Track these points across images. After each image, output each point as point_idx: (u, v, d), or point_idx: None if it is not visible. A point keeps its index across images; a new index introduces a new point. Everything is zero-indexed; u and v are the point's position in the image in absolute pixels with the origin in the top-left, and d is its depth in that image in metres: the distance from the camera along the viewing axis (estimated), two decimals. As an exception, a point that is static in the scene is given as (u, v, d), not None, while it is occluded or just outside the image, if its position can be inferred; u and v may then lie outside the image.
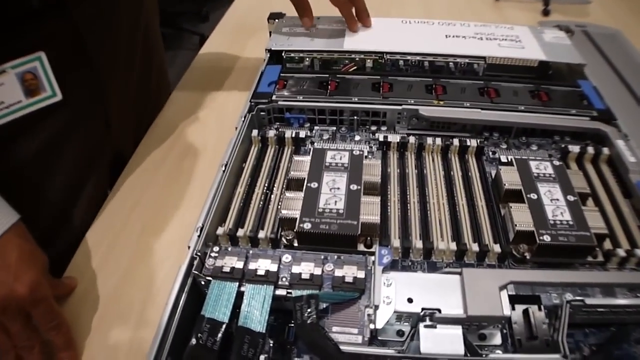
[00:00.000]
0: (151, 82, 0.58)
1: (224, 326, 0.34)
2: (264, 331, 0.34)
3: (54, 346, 0.39)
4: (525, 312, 0.36)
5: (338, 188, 0.40)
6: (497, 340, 0.36)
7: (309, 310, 0.34)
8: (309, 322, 0.33)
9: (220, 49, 0.72)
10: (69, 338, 0.39)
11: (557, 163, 0.43)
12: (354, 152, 0.43)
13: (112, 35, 0.50)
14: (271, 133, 0.47)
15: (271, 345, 0.37)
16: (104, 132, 0.52)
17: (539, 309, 0.36)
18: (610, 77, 0.56)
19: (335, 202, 0.39)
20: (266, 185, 0.44)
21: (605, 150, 0.46)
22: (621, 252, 0.39)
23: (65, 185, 0.49)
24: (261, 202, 0.42)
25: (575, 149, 0.45)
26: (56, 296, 0.40)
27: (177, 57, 0.65)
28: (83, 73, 0.47)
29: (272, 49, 0.54)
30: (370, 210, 0.39)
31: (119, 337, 0.41)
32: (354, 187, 0.40)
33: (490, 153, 0.47)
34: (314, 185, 0.41)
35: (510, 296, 0.36)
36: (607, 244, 0.40)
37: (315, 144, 0.47)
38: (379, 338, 0.36)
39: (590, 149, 0.46)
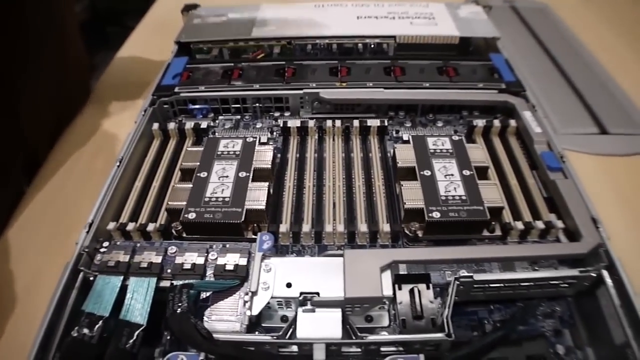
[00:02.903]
0: (68, 85, 0.57)
1: (101, 320, 0.33)
2: (144, 323, 0.33)
3: None
4: (411, 292, 0.35)
5: (227, 176, 0.39)
6: (386, 321, 0.35)
7: (180, 299, 0.33)
8: (178, 311, 0.33)
9: (142, 46, 0.71)
10: None
11: (456, 138, 0.42)
12: (247, 140, 0.42)
13: (18, 43, 0.49)
14: (171, 125, 0.46)
15: (168, 338, 0.36)
16: (15, 139, 0.51)
17: (427, 287, 0.35)
18: (534, 50, 0.55)
19: (222, 190, 0.39)
20: (164, 178, 0.43)
21: (513, 123, 0.45)
22: (519, 225, 0.38)
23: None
24: (158, 195, 0.42)
25: (480, 122, 0.44)
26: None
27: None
28: None
29: (180, 41, 0.53)
30: (256, 197, 0.38)
31: (27, 339, 0.41)
32: (242, 174, 0.39)
33: (394, 132, 0.46)
34: (204, 174, 0.40)
35: (399, 276, 0.35)
36: (509, 218, 0.39)
37: (217, 133, 0.46)
38: (263, 325, 0.35)
39: (497, 122, 0.44)
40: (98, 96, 0.62)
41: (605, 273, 0.35)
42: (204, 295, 0.35)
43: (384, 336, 0.33)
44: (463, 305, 0.37)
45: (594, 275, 0.35)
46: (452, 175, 0.39)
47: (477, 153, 0.41)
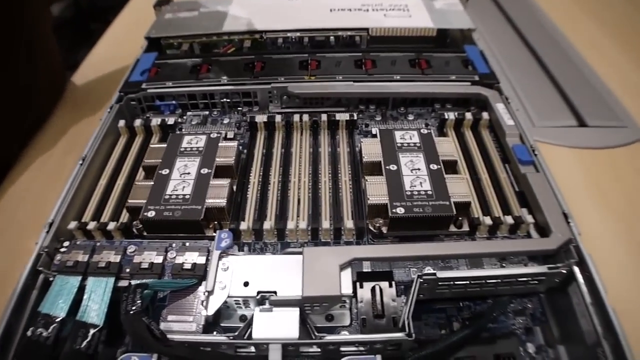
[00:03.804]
0: (40, 85, 0.56)
1: (57, 321, 0.33)
2: (101, 324, 0.32)
3: None
4: (373, 290, 0.34)
5: (188, 173, 0.39)
6: (347, 320, 0.34)
7: (134, 299, 0.32)
8: (131, 312, 0.32)
9: (117, 42, 0.70)
10: None
11: (424, 132, 0.41)
12: (211, 135, 0.41)
13: None
14: (137, 122, 0.45)
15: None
16: None
17: (390, 285, 0.34)
18: (514, 41, 0.53)
19: (183, 187, 0.38)
20: (129, 175, 0.42)
21: (485, 115, 0.44)
22: (488, 220, 0.37)
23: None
24: (121, 193, 0.41)
25: (452, 115, 0.43)
26: None
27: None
28: None
29: (151, 36, 0.52)
30: (217, 194, 0.37)
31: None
32: (204, 171, 0.38)
33: (364, 126, 0.44)
34: (165, 171, 0.39)
35: (361, 273, 0.35)
36: (478, 213, 0.38)
37: (184, 129, 0.45)
38: (222, 325, 0.34)
39: (469, 115, 0.43)
40: (71, 94, 0.61)
41: (576, 269, 0.34)
42: (162, 294, 0.35)
43: (342, 336, 0.32)
44: (431, 302, 0.36)
45: (564, 271, 0.34)
46: (418, 169, 0.38)
47: (446, 146, 0.40)
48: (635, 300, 0.40)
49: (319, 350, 0.31)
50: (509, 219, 0.37)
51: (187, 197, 0.37)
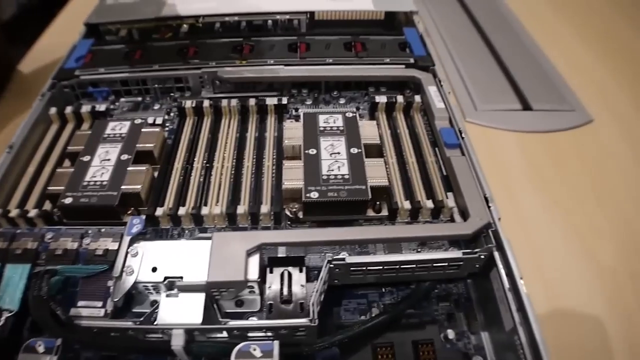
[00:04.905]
0: None
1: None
2: (15, 309, 0.33)
3: None
4: (282, 275, 0.34)
5: (109, 159, 0.38)
6: (257, 306, 0.34)
7: (40, 285, 0.32)
8: (37, 297, 0.32)
9: (64, 30, 0.68)
10: None
11: (349, 115, 0.40)
12: (135, 122, 0.41)
13: None
14: (68, 109, 0.45)
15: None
16: None
17: (300, 270, 0.34)
18: (463, 24, 0.52)
19: (102, 174, 0.37)
20: (56, 163, 0.42)
21: (417, 98, 0.43)
22: (407, 205, 0.37)
23: None
24: (47, 181, 0.41)
25: (382, 99, 0.43)
26: None
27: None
28: None
29: (90, 22, 0.52)
30: (134, 180, 0.37)
31: None
32: (124, 157, 0.38)
33: (294, 111, 0.44)
34: (87, 158, 0.39)
35: (273, 259, 0.34)
36: (400, 197, 0.37)
37: (114, 116, 0.45)
38: (134, 310, 0.34)
39: (400, 98, 0.43)
40: (16, 83, 0.61)
41: (496, 255, 0.33)
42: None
43: (244, 321, 0.32)
44: (354, 288, 0.36)
45: (482, 257, 0.34)
46: (338, 153, 0.37)
47: (370, 130, 0.39)
48: (568, 290, 0.39)
49: (227, 336, 0.31)
50: (430, 203, 0.37)
51: (105, 183, 0.37)
